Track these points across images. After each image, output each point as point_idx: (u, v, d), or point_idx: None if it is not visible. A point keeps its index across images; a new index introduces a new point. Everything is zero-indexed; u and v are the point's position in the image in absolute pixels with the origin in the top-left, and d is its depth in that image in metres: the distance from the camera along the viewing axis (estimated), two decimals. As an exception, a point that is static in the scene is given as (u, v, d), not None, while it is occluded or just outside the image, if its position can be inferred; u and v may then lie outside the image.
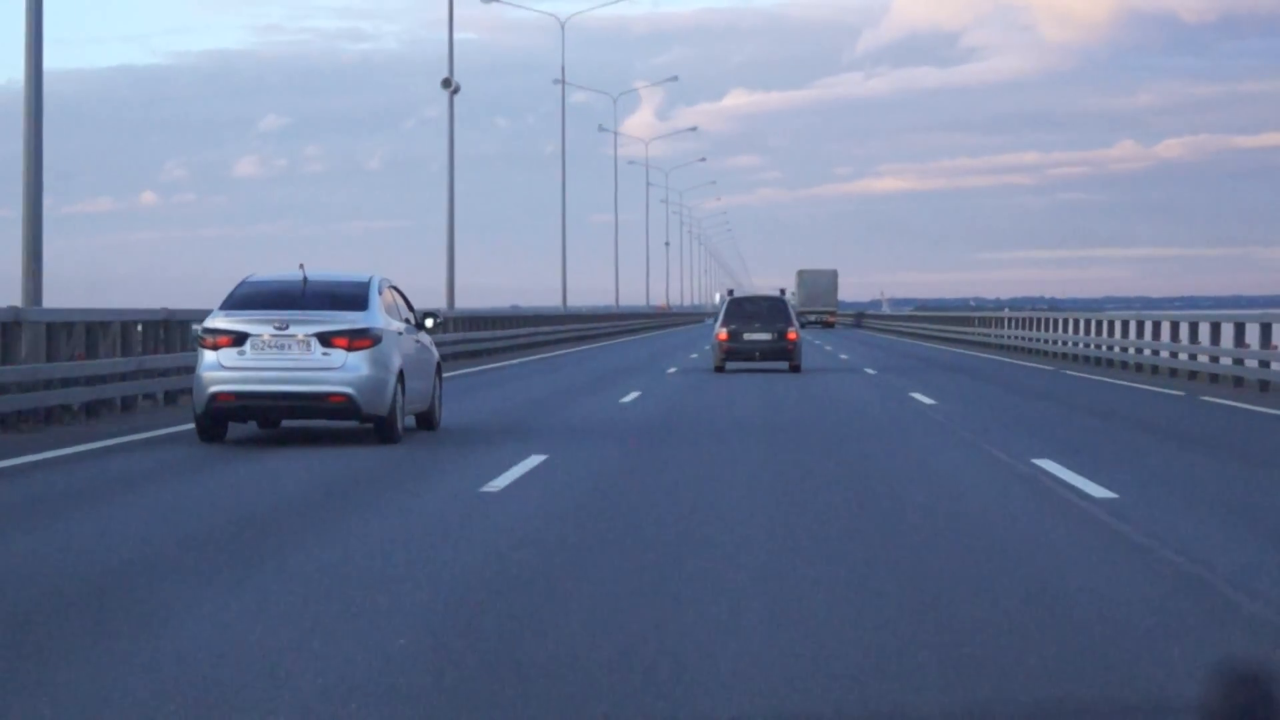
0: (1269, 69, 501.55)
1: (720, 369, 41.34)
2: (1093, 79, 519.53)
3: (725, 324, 41.39)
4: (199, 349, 19.89)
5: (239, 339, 19.60)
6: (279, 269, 21.24)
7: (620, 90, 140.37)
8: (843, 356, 53.73)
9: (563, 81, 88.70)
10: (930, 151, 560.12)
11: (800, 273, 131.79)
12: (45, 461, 17.85)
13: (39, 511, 13.68)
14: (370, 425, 20.27)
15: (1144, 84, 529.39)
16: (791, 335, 41.26)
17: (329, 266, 21.78)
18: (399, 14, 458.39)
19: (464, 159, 53.13)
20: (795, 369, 41.42)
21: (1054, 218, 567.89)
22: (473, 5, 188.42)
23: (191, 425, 20.60)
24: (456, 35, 53.90)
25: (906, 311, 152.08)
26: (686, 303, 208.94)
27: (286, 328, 19.61)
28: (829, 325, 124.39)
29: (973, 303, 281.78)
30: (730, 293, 46.41)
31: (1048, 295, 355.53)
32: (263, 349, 19.56)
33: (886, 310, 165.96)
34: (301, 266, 20.81)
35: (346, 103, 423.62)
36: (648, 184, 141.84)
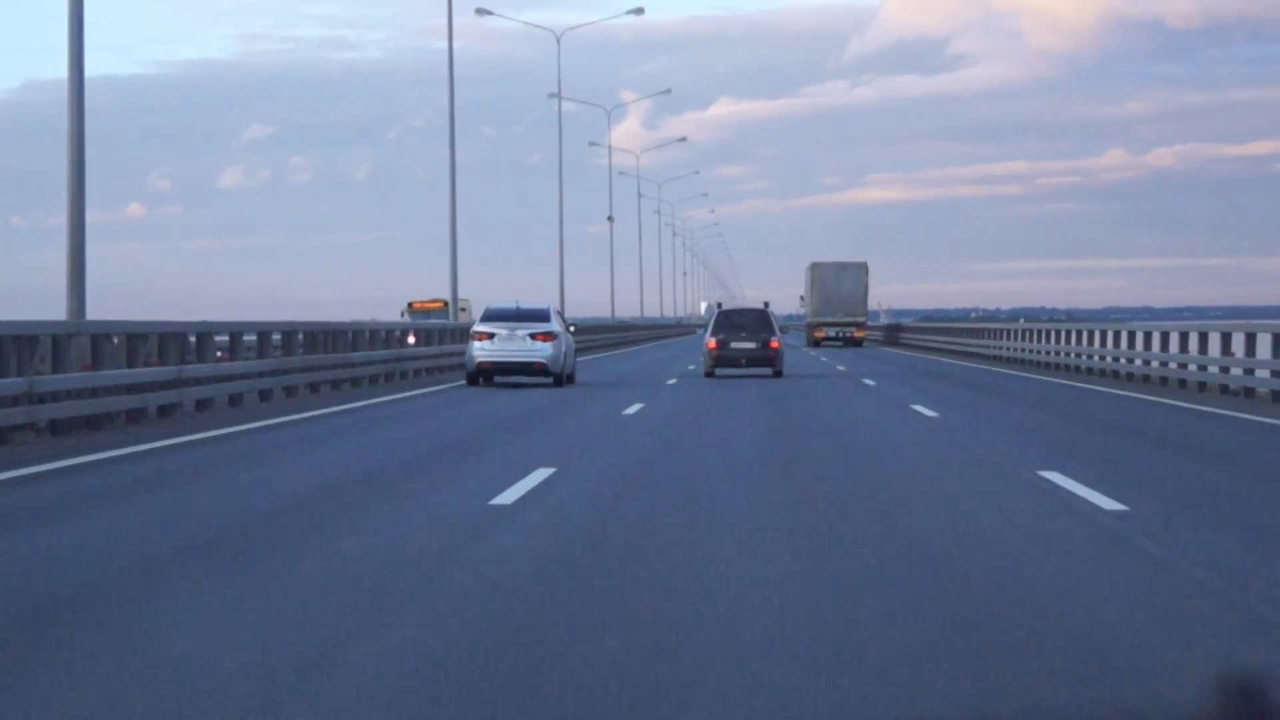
0: (1256, 76, 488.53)
1: (710, 374, 44.40)
2: (1080, 87, 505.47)
3: (714, 333, 44.58)
4: (470, 341, 38.67)
5: (491, 335, 38.56)
6: (509, 300, 40.10)
7: (613, 104, 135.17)
8: (874, 384, 48.05)
9: (559, 95, 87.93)
10: (918, 161, 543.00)
11: (814, 267, 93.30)
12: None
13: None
14: (551, 380, 38.94)
15: (1132, 92, 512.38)
16: (774, 344, 44.30)
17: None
18: (383, 23, 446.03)
19: (448, 168, 60.19)
20: (778, 374, 44.26)
21: (1045, 228, 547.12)
22: (459, 13, 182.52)
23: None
24: (439, 44, 63.77)
25: (910, 322, 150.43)
26: (678, 314, 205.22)
27: (515, 330, 38.43)
28: (856, 342, 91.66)
29: (974, 313, 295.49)
30: (719, 305, 48.46)
31: (1048, 305, 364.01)
32: (503, 340, 38.52)
33: (885, 320, 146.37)
34: (517, 302, 39.83)
35: (331, 112, 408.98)
36: (640, 196, 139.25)
